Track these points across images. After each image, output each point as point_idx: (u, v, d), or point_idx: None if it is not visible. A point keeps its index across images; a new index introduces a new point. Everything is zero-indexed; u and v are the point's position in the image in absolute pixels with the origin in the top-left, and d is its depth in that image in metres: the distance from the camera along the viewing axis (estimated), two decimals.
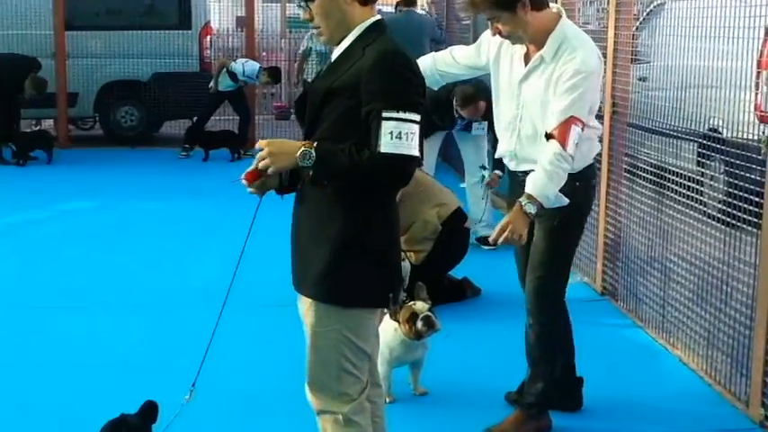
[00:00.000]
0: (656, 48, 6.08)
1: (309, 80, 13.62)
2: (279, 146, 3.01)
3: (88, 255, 7.63)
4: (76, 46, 13.35)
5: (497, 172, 7.56)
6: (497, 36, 4.13)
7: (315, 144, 2.97)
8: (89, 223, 8.87)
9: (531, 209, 3.90)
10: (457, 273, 6.56)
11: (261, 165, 3.00)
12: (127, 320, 5.94)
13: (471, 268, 6.64)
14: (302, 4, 3.18)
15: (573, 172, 4.05)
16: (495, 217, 8.25)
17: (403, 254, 5.96)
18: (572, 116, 3.90)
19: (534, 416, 4.39)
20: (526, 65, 4.12)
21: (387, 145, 2.91)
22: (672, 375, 5.15)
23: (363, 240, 3.05)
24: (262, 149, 3.03)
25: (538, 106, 4.07)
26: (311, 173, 2.96)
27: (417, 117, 2.96)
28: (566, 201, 3.96)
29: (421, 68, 4.48)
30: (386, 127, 2.91)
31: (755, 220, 4.46)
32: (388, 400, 4.64)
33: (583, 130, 3.95)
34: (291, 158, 2.96)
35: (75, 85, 13.41)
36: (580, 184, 4.16)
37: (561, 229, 4.18)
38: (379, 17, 3.17)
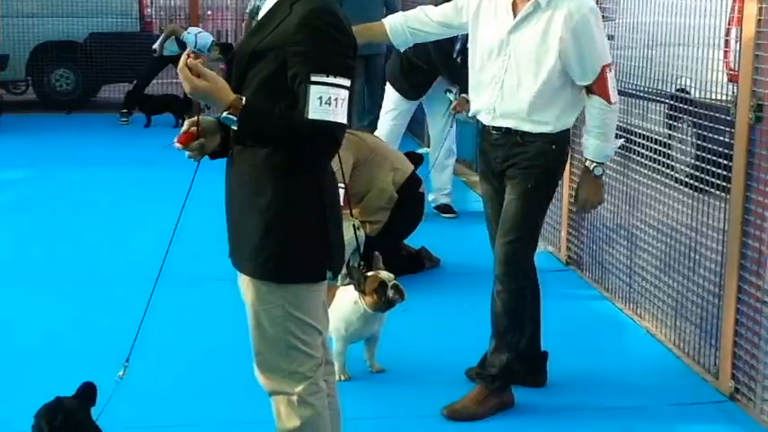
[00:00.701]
0: (623, 4, 6.10)
1: None
2: (219, 83, 2.92)
3: (19, 226, 7.57)
4: (7, 4, 13.15)
5: (465, 95, 7.49)
6: None
7: (244, 99, 2.91)
8: (21, 193, 8.79)
9: (600, 171, 4.29)
10: (414, 242, 6.57)
11: (188, 90, 2.92)
12: (58, 295, 5.88)
13: (429, 237, 6.66)
14: None
15: (549, 132, 4.21)
16: (455, 185, 8.32)
17: (359, 223, 5.95)
18: (603, 65, 4.12)
19: (496, 391, 4.40)
20: (515, 15, 4.19)
21: (315, 111, 2.85)
22: (639, 347, 5.21)
23: (296, 212, 3.01)
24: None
25: (529, 56, 4.16)
26: (235, 128, 2.91)
27: (347, 82, 2.91)
28: (620, 142, 4.43)
29: (389, 26, 4.59)
30: (314, 92, 2.85)
31: (724, 184, 4.51)
32: (342, 378, 4.66)
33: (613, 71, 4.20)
34: (223, 97, 2.89)
35: (5, 46, 13.20)
36: (556, 148, 4.24)
37: (534, 192, 4.25)
38: None
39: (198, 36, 12.43)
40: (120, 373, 3.40)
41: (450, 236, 7.28)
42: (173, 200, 3.37)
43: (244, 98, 2.91)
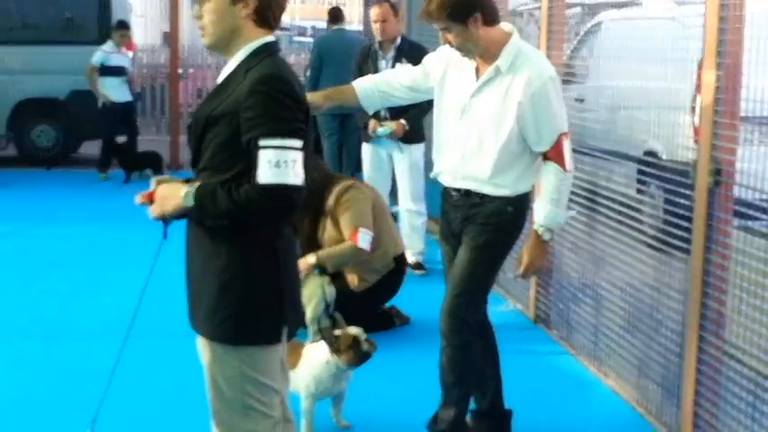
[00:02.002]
0: (593, 68, 6.20)
1: None
2: (165, 189, 3.07)
3: None
4: None
5: (401, 121, 7.59)
6: (443, 55, 4.37)
7: (197, 186, 2.99)
8: None
9: (548, 236, 4.28)
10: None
11: (151, 213, 3.07)
12: (27, 352, 5.87)
13: (399, 296, 6.68)
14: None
15: (507, 195, 4.26)
16: (427, 241, 8.36)
17: (329, 280, 5.97)
18: (560, 133, 4.17)
19: None
20: (478, 79, 4.25)
21: (265, 175, 2.90)
22: (604, 405, 5.24)
23: (251, 275, 3.06)
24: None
25: (490, 120, 4.22)
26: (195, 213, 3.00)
27: (298, 143, 2.95)
28: (573, 213, 4.37)
29: (359, 90, 4.62)
30: (264, 156, 2.90)
31: (685, 245, 4.57)
32: None
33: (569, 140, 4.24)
34: (177, 201, 3.01)
35: None
36: (512, 210, 4.29)
37: (485, 249, 4.30)
38: (271, 39, 3.15)
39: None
40: None
41: (422, 293, 7.29)
42: (147, 257, 3.41)
43: (197, 184, 2.99)
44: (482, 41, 4.17)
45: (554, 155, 4.18)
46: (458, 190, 4.38)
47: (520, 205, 4.34)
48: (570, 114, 6.06)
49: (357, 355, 4.57)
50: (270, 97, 2.95)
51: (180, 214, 3.10)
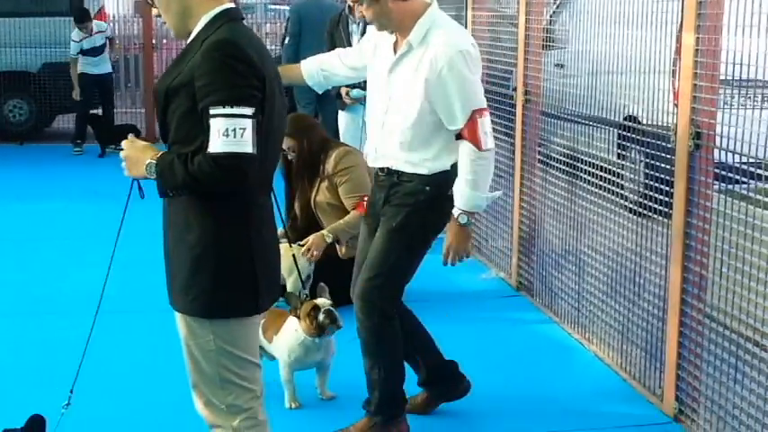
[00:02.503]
0: (574, 33, 6.20)
1: None
2: (135, 152, 3.07)
3: None
4: None
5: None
6: (375, 31, 4.26)
7: (158, 156, 2.99)
8: None
9: (465, 219, 4.09)
10: None
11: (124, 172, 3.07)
12: (2, 328, 5.89)
13: None
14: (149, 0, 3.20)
15: (423, 172, 4.16)
16: None
17: (303, 249, 5.97)
18: (473, 110, 4.01)
19: (382, 424, 4.39)
20: (395, 55, 4.19)
21: (215, 145, 2.86)
22: (587, 371, 5.30)
23: (222, 247, 3.03)
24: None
25: (401, 96, 4.13)
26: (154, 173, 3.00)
27: (249, 110, 2.89)
28: (498, 194, 4.22)
29: (305, 70, 4.59)
30: (214, 125, 2.85)
31: (666, 210, 4.61)
32: (293, 405, 4.72)
33: (487, 116, 4.08)
34: (141, 170, 3.03)
35: None
36: (429, 189, 4.17)
37: (399, 233, 4.20)
38: (229, 5, 3.09)
39: None
40: (66, 403, 3.44)
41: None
42: (118, 231, 3.42)
43: (158, 155, 3.00)
44: (395, 15, 4.07)
45: (468, 133, 4.01)
46: (381, 169, 4.30)
47: (439, 186, 4.17)
48: (551, 80, 6.17)
49: (313, 324, 4.51)
50: (221, 63, 2.89)
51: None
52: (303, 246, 5.97)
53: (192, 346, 3.12)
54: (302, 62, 4.71)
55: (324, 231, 6.04)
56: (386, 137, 4.23)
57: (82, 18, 12.51)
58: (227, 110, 2.86)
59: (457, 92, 4.00)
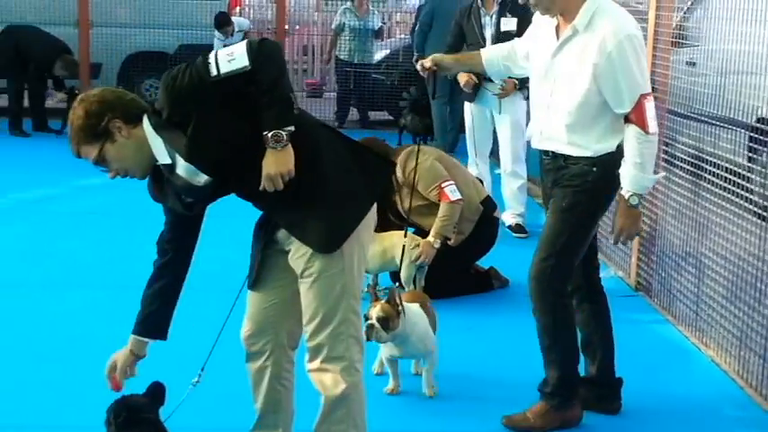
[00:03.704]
0: (706, 31, 6.09)
1: (342, 57, 13.75)
2: (274, 159, 3.30)
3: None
4: (101, 14, 13.54)
5: (512, 79, 7.39)
6: (536, 19, 4.37)
7: (270, 130, 3.24)
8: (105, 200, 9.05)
9: (635, 200, 4.18)
10: (484, 262, 6.64)
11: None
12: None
13: (498, 258, 6.71)
14: (100, 167, 3.45)
15: (589, 155, 4.22)
16: (529, 204, 8.36)
17: (414, 258, 5.95)
18: (640, 94, 4.07)
19: (557, 407, 4.47)
20: (558, 39, 4.23)
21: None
22: (703, 376, 5.21)
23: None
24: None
25: (567, 80, 4.19)
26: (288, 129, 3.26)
27: None
28: (661, 176, 4.41)
29: (485, 59, 4.75)
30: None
31: None
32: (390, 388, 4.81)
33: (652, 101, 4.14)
34: (283, 155, 3.27)
35: (98, 55, 13.58)
36: (597, 170, 4.22)
37: (569, 212, 4.27)
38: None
39: None
40: (195, 379, 3.74)
41: (521, 256, 7.27)
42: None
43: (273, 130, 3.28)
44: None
45: (635, 117, 4.07)
46: (546, 153, 4.39)
47: (606, 166, 4.22)
48: (680, 78, 6.05)
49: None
50: None
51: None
52: (415, 245, 5.96)
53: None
54: (482, 51, 4.83)
55: (430, 238, 6.04)
56: (552, 118, 4.30)
57: (221, 23, 12.79)
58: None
59: (625, 76, 4.06)
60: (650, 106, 4.11)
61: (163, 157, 3.37)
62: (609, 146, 4.21)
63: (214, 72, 3.22)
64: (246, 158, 3.32)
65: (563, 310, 4.42)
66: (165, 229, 3.66)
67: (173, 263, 3.66)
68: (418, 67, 4.81)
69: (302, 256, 3.46)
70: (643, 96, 4.08)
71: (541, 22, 4.38)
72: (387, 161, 3.80)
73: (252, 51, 3.23)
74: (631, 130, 4.10)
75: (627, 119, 4.11)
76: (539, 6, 4.22)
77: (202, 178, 3.37)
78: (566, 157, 4.28)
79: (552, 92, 4.27)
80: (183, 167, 3.37)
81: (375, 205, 3.60)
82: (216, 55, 3.25)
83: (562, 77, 4.22)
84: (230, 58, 3.22)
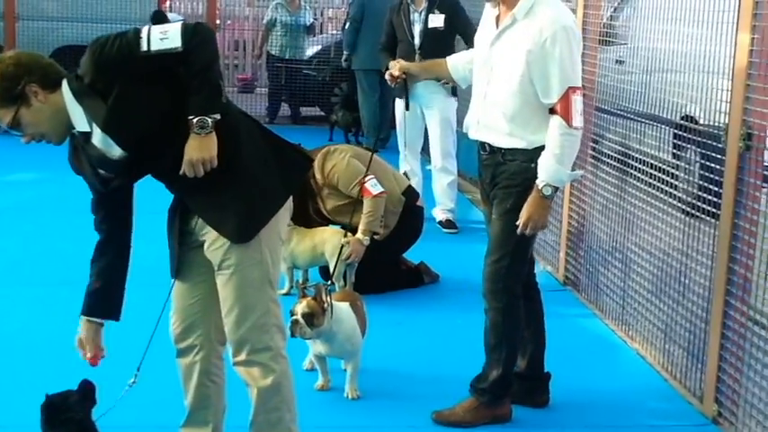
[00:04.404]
0: (634, 29, 6.17)
1: (273, 52, 13.71)
2: (196, 144, 3.29)
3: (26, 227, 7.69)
4: (28, 7, 13.34)
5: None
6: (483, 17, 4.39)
7: (196, 116, 3.24)
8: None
9: (549, 191, 4.16)
10: (414, 257, 6.67)
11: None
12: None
13: (429, 253, 6.76)
14: (14, 131, 3.37)
15: (526, 148, 4.24)
16: (459, 199, 8.42)
17: (344, 256, 5.93)
18: (569, 87, 4.10)
19: (487, 404, 4.51)
20: (498, 28, 4.28)
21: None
22: (629, 369, 5.30)
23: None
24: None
25: (504, 68, 4.22)
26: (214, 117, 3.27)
27: None
28: (580, 173, 4.35)
29: (451, 65, 4.77)
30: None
31: (716, 210, 4.58)
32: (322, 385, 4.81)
33: (580, 95, 4.16)
34: (207, 141, 3.27)
35: (24, 48, 13.32)
36: (536, 167, 4.22)
37: (514, 212, 4.28)
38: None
39: None
40: (131, 380, 3.72)
41: (451, 252, 7.38)
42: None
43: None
44: None
45: (560, 108, 4.08)
46: (483, 147, 4.41)
47: None
48: (607, 76, 6.13)
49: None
50: None
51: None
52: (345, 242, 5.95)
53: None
54: (448, 59, 4.85)
55: (359, 235, 6.05)
56: (488, 108, 4.33)
57: (157, 21, 12.67)
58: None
59: (557, 66, 4.08)
60: (577, 100, 4.12)
61: (81, 125, 3.33)
62: (543, 138, 4.19)
63: (144, 48, 3.20)
64: (164, 138, 3.31)
65: (515, 311, 4.46)
66: (93, 207, 3.59)
67: (110, 240, 3.61)
68: (387, 76, 4.82)
69: (219, 248, 3.46)
70: (571, 89, 4.10)
71: (486, 16, 4.43)
72: (305, 157, 3.81)
73: (186, 33, 3.22)
74: (555, 121, 4.11)
75: (552, 110, 4.13)
76: None
77: (117, 152, 3.34)
78: (503, 153, 4.31)
79: (489, 80, 4.31)
80: (99, 138, 3.33)
81: (291, 198, 3.63)
82: (149, 30, 3.23)
83: (499, 66, 4.25)
84: (163, 36, 3.20)
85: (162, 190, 3.58)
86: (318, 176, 6.28)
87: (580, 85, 4.18)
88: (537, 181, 4.16)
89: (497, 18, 4.30)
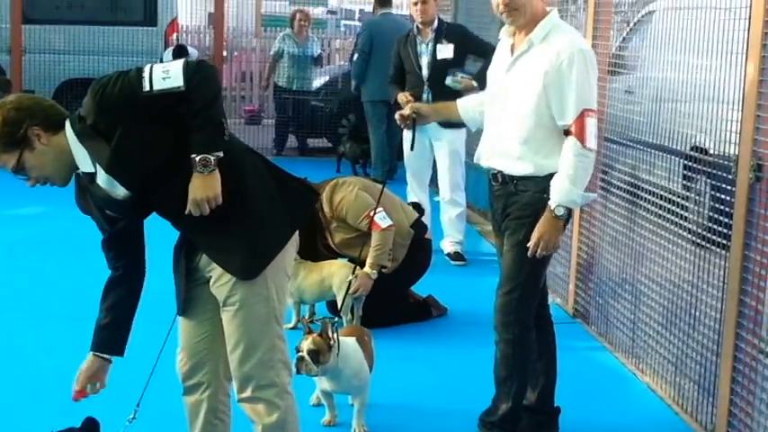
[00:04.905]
0: (642, 59, 6.18)
1: (280, 83, 13.76)
2: (200, 183, 3.32)
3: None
4: (35, 40, 13.42)
5: (473, 82, 7.58)
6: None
7: (199, 154, 3.26)
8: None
9: (561, 211, 4.18)
10: (422, 290, 6.66)
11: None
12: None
13: (437, 286, 6.74)
14: (19, 175, 3.41)
15: (539, 174, 4.26)
16: (468, 231, 8.41)
17: (352, 291, 5.86)
18: (584, 109, 4.14)
19: None
20: (513, 55, 4.33)
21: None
22: (639, 402, 5.27)
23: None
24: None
25: (521, 93, 4.26)
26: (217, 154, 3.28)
27: None
28: (593, 196, 4.35)
29: (461, 108, 4.76)
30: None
31: (726, 242, 4.56)
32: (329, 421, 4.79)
33: (595, 118, 4.20)
34: (210, 180, 3.29)
35: (32, 82, 13.46)
36: (547, 197, 4.24)
37: (526, 243, 4.28)
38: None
39: None
40: (131, 416, 3.72)
41: (460, 284, 7.36)
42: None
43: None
44: (530, 8, 4.22)
45: (575, 129, 4.13)
46: (495, 178, 4.42)
47: None
48: (615, 106, 6.14)
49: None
50: None
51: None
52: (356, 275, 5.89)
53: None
54: (458, 101, 4.86)
55: (367, 269, 6.03)
56: (502, 133, 4.35)
57: (180, 55, 12.75)
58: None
59: (574, 87, 4.13)
60: (592, 122, 4.16)
61: (85, 166, 3.35)
62: (554, 165, 4.22)
63: (147, 87, 3.21)
64: (168, 177, 3.32)
65: (526, 343, 4.45)
66: (104, 245, 3.60)
67: (122, 276, 3.62)
68: (397, 116, 4.81)
69: (225, 284, 3.46)
70: (587, 111, 4.15)
71: (500, 49, 4.48)
72: (311, 190, 3.83)
73: (188, 72, 3.23)
74: (569, 142, 4.15)
75: (567, 132, 4.17)
76: (511, 12, 4.24)
77: (121, 192, 3.35)
78: (516, 183, 4.32)
79: (504, 107, 4.34)
80: (103, 178, 3.35)
81: (297, 233, 3.63)
82: (151, 70, 3.24)
83: (515, 90, 4.29)
84: (165, 75, 3.22)
85: (169, 226, 3.59)
86: (327, 210, 6.28)
87: (595, 108, 4.22)
88: (549, 201, 4.18)
89: (512, 47, 4.35)
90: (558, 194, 4.17)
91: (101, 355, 3.65)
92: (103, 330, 3.64)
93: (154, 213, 3.54)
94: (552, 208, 4.18)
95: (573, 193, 4.17)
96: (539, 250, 4.23)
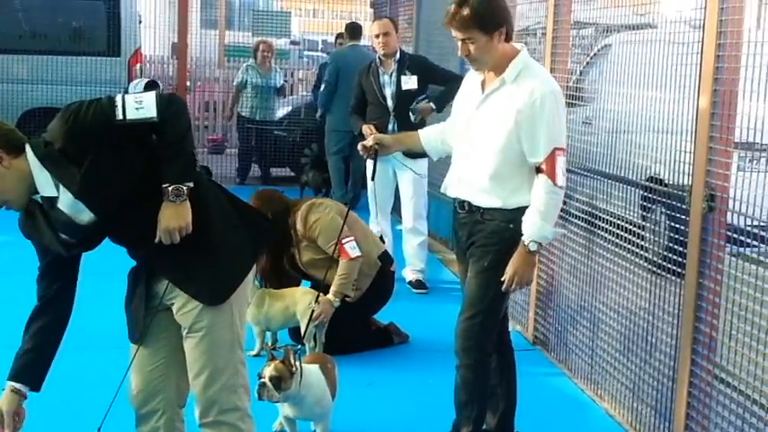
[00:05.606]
0: (599, 92, 6.29)
1: (243, 113, 13.81)
2: (169, 212, 3.38)
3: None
4: None
5: (431, 105, 7.84)
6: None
7: (171, 184, 3.33)
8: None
9: (534, 246, 4.30)
10: (384, 317, 6.71)
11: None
12: None
13: (398, 314, 6.79)
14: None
15: (504, 208, 4.36)
16: (430, 260, 8.48)
17: (314, 318, 5.93)
18: (555, 147, 4.24)
19: None
20: (483, 92, 4.41)
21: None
22: (598, 427, 5.34)
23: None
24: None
25: (491, 129, 4.34)
26: (188, 185, 3.36)
27: None
28: (561, 231, 4.45)
29: (424, 138, 4.82)
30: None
31: (681, 270, 4.66)
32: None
33: (564, 156, 4.32)
34: (181, 209, 3.36)
35: None
36: (513, 227, 4.34)
37: (490, 270, 4.38)
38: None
39: None
40: None
41: (421, 312, 7.42)
42: None
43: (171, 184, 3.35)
44: (495, 53, 4.31)
45: (546, 168, 4.23)
46: (462, 206, 4.50)
47: (519, 222, 4.35)
48: (574, 138, 6.23)
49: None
50: None
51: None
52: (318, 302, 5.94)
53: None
54: (420, 131, 4.93)
55: (330, 296, 6.08)
56: (470, 167, 4.44)
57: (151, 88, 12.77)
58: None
59: (546, 126, 4.23)
60: (562, 161, 4.28)
61: (47, 190, 3.36)
62: (523, 200, 4.33)
63: (120, 116, 3.26)
64: (137, 204, 3.37)
65: (486, 368, 4.54)
66: (40, 272, 3.61)
67: (50, 305, 3.61)
68: (359, 147, 4.86)
69: (191, 311, 3.51)
70: (557, 149, 4.26)
71: (469, 81, 4.57)
72: (267, 219, 3.94)
73: (161, 104, 3.30)
74: (541, 179, 4.26)
75: (538, 169, 4.27)
76: (475, 61, 4.35)
77: (86, 216, 3.37)
78: (482, 212, 4.41)
79: (473, 142, 4.42)
80: (66, 203, 3.35)
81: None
82: (123, 99, 3.30)
83: (485, 126, 4.37)
84: (138, 105, 3.28)
85: (114, 253, 3.61)
86: (300, 228, 6.31)
87: (565, 147, 4.34)
88: (523, 237, 4.28)
89: (482, 83, 4.43)
90: (531, 230, 4.27)
91: (18, 387, 3.60)
92: (24, 357, 3.60)
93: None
94: (526, 243, 4.28)
95: (545, 229, 4.28)
96: (513, 285, 4.34)
